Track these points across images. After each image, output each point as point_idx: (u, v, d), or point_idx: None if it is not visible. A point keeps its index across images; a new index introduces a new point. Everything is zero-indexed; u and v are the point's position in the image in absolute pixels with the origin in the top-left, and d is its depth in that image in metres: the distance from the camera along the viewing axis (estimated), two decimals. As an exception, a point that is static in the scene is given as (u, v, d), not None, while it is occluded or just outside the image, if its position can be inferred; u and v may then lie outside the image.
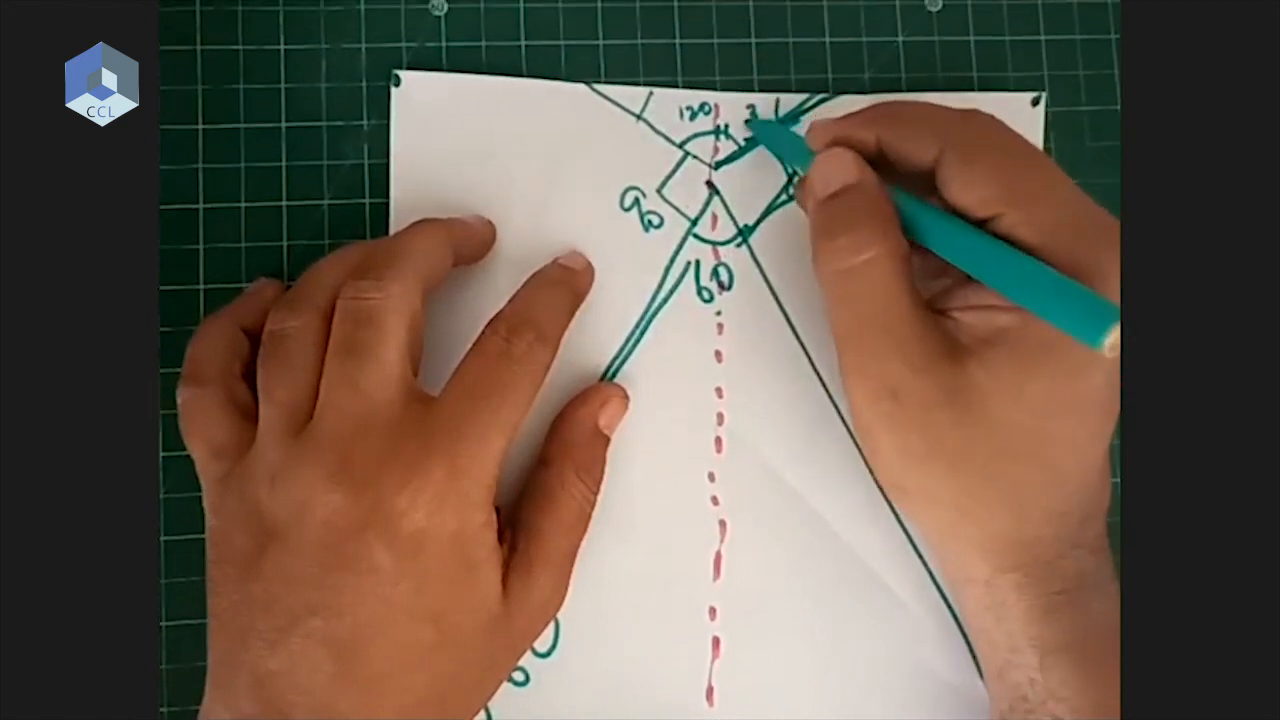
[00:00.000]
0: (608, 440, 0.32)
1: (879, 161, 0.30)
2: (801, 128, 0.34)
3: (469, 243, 0.32)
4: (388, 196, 0.33)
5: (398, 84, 0.33)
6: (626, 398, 0.33)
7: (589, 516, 0.31)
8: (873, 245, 0.28)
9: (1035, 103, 0.35)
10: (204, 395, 0.29)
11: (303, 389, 0.28)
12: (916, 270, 0.28)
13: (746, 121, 0.35)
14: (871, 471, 0.33)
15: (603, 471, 0.32)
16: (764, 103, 0.35)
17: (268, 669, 0.26)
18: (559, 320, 0.31)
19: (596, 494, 0.31)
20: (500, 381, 0.28)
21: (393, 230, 0.33)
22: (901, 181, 0.29)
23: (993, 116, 0.29)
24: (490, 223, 0.33)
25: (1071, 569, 0.28)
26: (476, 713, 0.30)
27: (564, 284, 0.32)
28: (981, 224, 0.28)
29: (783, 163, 0.34)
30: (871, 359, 0.28)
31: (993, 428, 0.27)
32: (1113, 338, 0.23)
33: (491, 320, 0.29)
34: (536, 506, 0.30)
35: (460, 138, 0.34)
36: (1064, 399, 0.27)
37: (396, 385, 0.27)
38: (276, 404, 0.28)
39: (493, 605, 0.28)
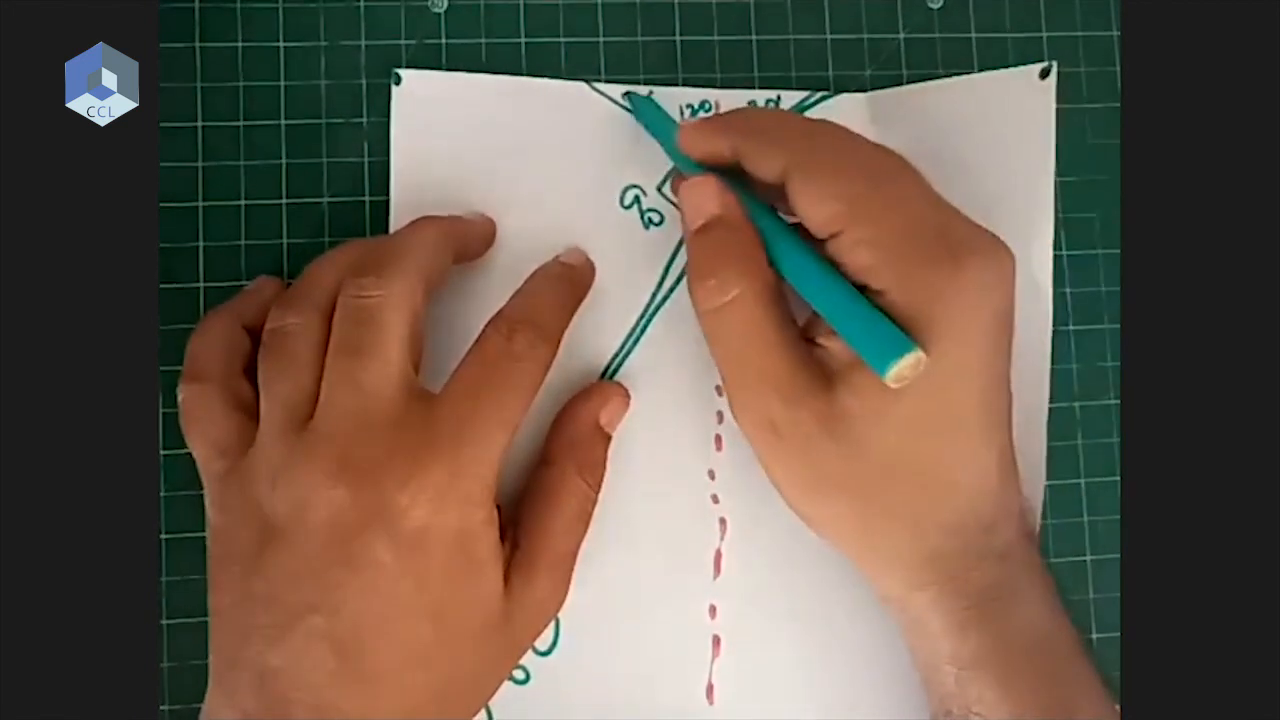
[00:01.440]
0: (609, 439, 0.32)
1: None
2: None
3: (469, 240, 0.32)
4: (388, 194, 0.33)
5: (398, 82, 0.33)
6: (628, 396, 0.33)
7: (590, 515, 0.31)
8: (737, 284, 0.28)
9: (1044, 74, 0.35)
10: (205, 393, 0.29)
11: (304, 386, 0.28)
12: (793, 297, 0.29)
13: (624, 94, 0.34)
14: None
15: (604, 470, 0.32)
16: (764, 100, 0.35)
17: (270, 665, 0.26)
18: (560, 317, 0.31)
19: (598, 492, 0.31)
20: (501, 379, 0.28)
21: (393, 228, 0.33)
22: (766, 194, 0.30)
23: (842, 128, 0.29)
24: (490, 220, 0.33)
25: (981, 580, 0.28)
26: (477, 711, 0.30)
27: (565, 281, 0.32)
28: (823, 243, 0.28)
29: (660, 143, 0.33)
30: (749, 394, 0.29)
31: (869, 452, 0.27)
32: (899, 369, 0.25)
33: (493, 318, 0.29)
34: (538, 505, 0.30)
35: (460, 136, 0.33)
36: (933, 416, 0.27)
37: (398, 383, 0.27)
38: (278, 401, 0.28)
39: (494, 603, 0.28)
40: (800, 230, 0.29)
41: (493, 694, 0.30)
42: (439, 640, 0.27)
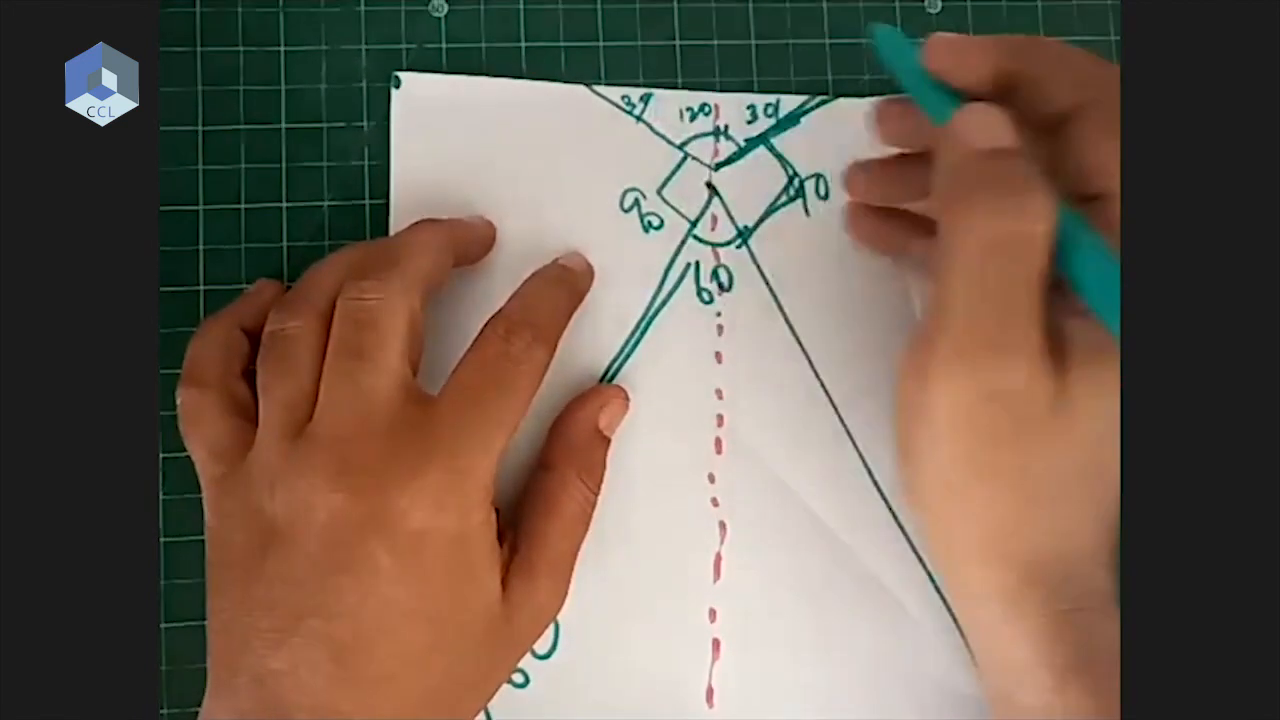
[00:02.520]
0: (608, 442, 0.32)
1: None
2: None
3: (469, 243, 0.32)
4: (388, 198, 0.33)
5: (398, 85, 0.33)
6: (627, 399, 0.33)
7: (589, 518, 0.31)
8: (1039, 219, 0.24)
9: None
10: (204, 396, 0.29)
11: (303, 390, 0.28)
12: None
13: (874, 30, 0.30)
14: (871, 473, 0.34)
15: (603, 473, 0.32)
16: (764, 104, 0.35)
17: (269, 669, 0.26)
18: (557, 320, 0.31)
19: (597, 495, 0.31)
20: (499, 381, 0.28)
21: (393, 231, 0.33)
22: None
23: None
24: (490, 223, 0.33)
25: (1091, 586, 0.26)
26: (476, 714, 0.30)
27: (563, 283, 0.32)
28: (1092, 200, 0.25)
29: (897, 79, 0.29)
30: (985, 351, 0.25)
31: (1080, 445, 0.25)
32: None
33: (490, 320, 0.29)
34: (537, 509, 0.30)
35: (460, 139, 0.34)
36: None
37: (396, 386, 0.27)
38: (276, 404, 0.28)
39: (493, 607, 0.28)
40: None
41: (492, 697, 0.30)
42: (437, 643, 0.27)
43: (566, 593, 0.30)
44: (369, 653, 0.26)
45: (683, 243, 0.34)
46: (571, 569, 0.30)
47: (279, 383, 0.28)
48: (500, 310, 0.30)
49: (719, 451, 0.33)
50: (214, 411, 0.28)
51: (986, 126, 0.26)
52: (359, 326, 0.28)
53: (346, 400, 0.27)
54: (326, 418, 0.27)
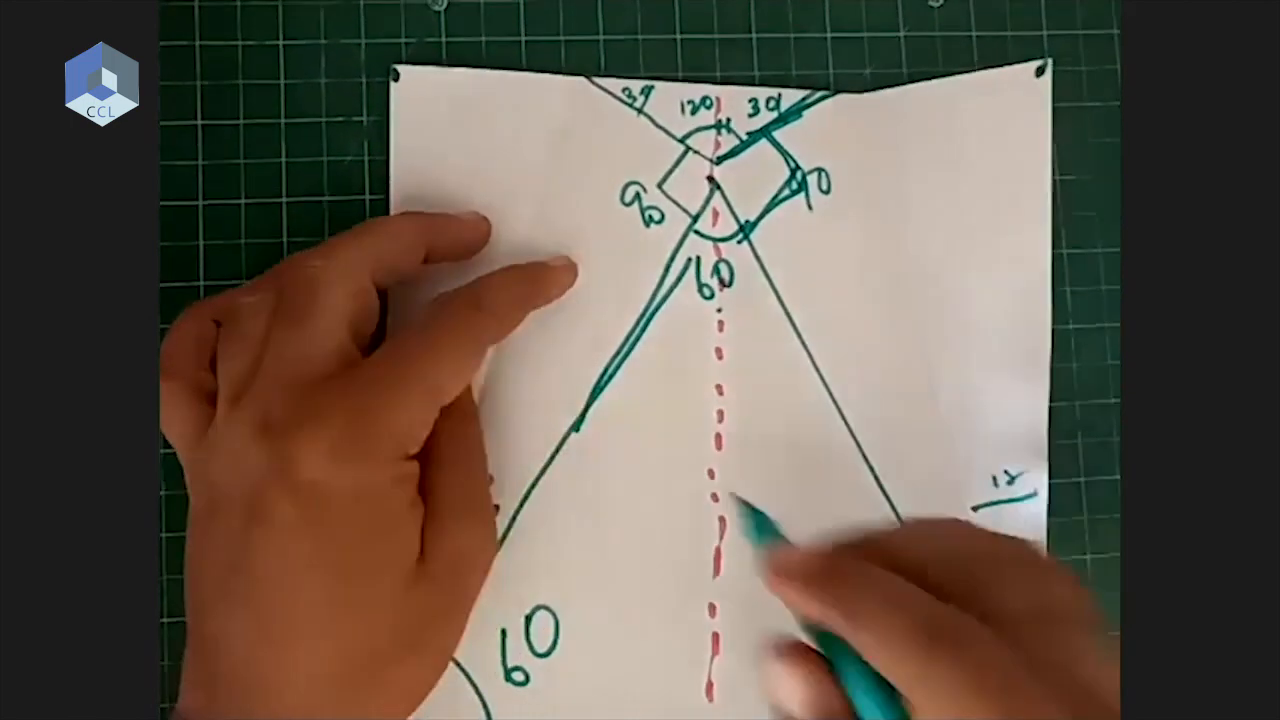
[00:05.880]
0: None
1: None
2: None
3: (450, 238, 0.32)
4: (388, 192, 0.33)
5: (396, 79, 0.33)
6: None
7: (483, 451, 0.31)
8: None
9: (1040, 72, 0.35)
10: (172, 387, 0.28)
11: (249, 360, 0.28)
12: None
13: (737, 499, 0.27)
14: (871, 469, 0.34)
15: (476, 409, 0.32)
16: (765, 97, 0.35)
17: (204, 632, 0.26)
18: (511, 303, 0.31)
19: (479, 431, 0.31)
20: (427, 343, 0.28)
21: None
22: None
23: (976, 638, 0.22)
24: (485, 220, 0.33)
25: None
26: (416, 694, 0.29)
27: (529, 275, 0.32)
28: None
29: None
30: None
31: None
32: None
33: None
34: (432, 457, 0.29)
35: (460, 132, 0.33)
36: None
37: (329, 350, 0.28)
38: (226, 377, 0.28)
39: (406, 564, 0.27)
40: None
41: (439, 667, 0.29)
42: (349, 601, 0.26)
43: (491, 533, 0.30)
44: (279, 610, 0.26)
45: (684, 237, 0.34)
46: (484, 508, 0.30)
47: (229, 357, 0.28)
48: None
49: (719, 447, 0.33)
50: (181, 399, 0.28)
51: (782, 697, 0.24)
52: (295, 292, 0.28)
53: (278, 364, 0.27)
54: (259, 381, 0.27)
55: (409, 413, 0.27)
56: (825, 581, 0.23)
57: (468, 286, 0.30)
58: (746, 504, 0.27)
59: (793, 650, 0.24)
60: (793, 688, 0.24)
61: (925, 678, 0.21)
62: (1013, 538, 0.25)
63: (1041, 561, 0.26)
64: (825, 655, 0.24)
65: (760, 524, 0.26)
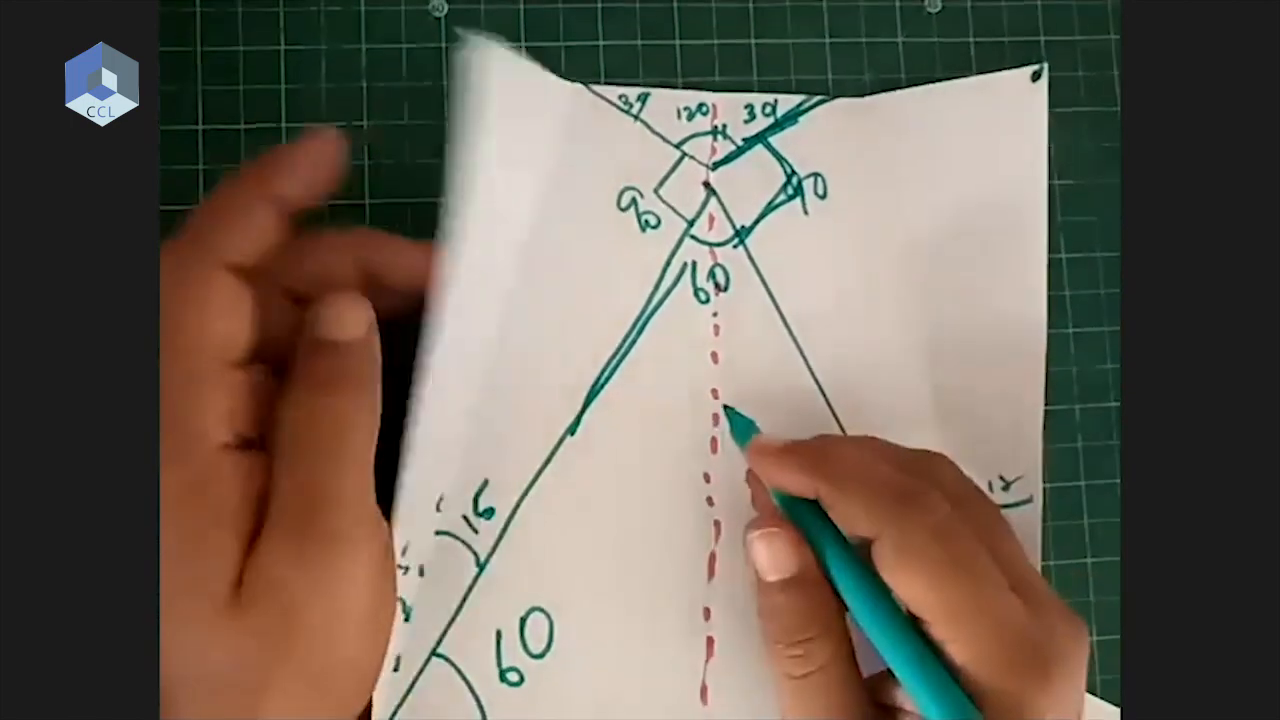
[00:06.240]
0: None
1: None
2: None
3: (384, 259, 0.29)
4: (389, 197, 0.33)
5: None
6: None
7: (363, 440, 0.26)
8: (822, 654, 0.28)
9: (1036, 77, 0.35)
10: None
11: None
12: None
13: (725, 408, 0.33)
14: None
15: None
16: (761, 103, 0.35)
17: None
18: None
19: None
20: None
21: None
22: None
23: (938, 505, 0.27)
24: (425, 250, 0.29)
25: None
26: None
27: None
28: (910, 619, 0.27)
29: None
30: None
31: None
32: None
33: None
34: (275, 448, 0.25)
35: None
36: None
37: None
38: None
39: (220, 586, 0.23)
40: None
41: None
42: (164, 620, 0.23)
43: (342, 564, 0.24)
44: None
45: (680, 242, 0.34)
46: (329, 521, 0.24)
47: None
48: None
49: (714, 451, 0.33)
50: None
51: (771, 558, 0.29)
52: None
53: None
54: None
55: (214, 410, 0.24)
56: (807, 455, 0.29)
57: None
58: (735, 411, 0.32)
59: (769, 523, 0.29)
60: (772, 553, 0.28)
61: (896, 523, 0.27)
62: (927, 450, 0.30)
63: (954, 465, 0.30)
64: (798, 524, 0.29)
65: (746, 427, 0.32)
